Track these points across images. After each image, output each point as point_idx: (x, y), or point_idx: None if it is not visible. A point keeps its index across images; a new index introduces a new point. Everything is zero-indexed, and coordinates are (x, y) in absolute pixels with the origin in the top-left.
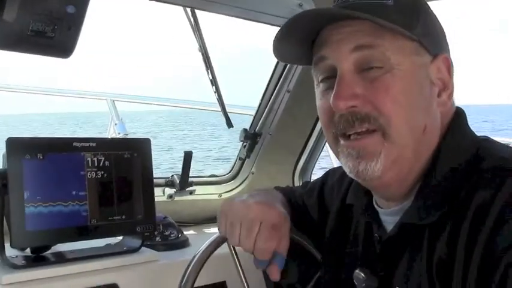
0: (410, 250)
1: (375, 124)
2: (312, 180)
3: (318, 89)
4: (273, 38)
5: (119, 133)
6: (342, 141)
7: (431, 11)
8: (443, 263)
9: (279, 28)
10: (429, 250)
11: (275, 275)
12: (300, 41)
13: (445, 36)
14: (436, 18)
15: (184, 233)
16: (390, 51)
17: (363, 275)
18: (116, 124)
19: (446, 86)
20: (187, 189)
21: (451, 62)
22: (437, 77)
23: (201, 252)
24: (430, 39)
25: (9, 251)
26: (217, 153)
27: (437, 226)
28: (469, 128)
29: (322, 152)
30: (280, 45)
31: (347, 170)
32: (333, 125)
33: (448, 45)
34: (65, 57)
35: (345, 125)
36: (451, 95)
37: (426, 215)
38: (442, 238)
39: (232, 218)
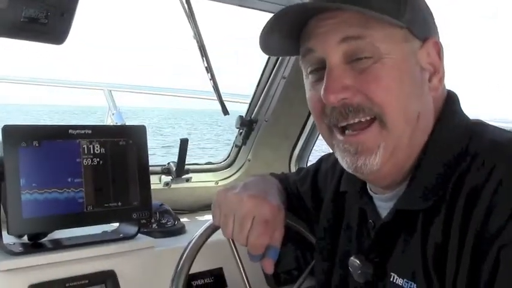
0: (405, 236)
1: (370, 113)
2: (306, 167)
3: (308, 81)
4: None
5: (116, 123)
6: (338, 136)
7: None
8: (438, 248)
9: (265, 23)
10: (423, 235)
11: (269, 268)
12: (286, 34)
13: (433, 18)
14: (424, 1)
15: (181, 220)
16: (379, 40)
17: (358, 261)
18: (113, 114)
19: (436, 70)
20: (183, 176)
21: (441, 45)
22: (427, 62)
23: (195, 239)
24: (419, 24)
25: (6, 238)
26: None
27: (431, 211)
28: (462, 111)
29: (318, 138)
30: (267, 39)
31: (344, 165)
32: (325, 116)
33: (436, 28)
34: (58, 44)
35: (338, 117)
36: (442, 79)
37: (420, 200)
38: (435, 223)
39: (225, 210)
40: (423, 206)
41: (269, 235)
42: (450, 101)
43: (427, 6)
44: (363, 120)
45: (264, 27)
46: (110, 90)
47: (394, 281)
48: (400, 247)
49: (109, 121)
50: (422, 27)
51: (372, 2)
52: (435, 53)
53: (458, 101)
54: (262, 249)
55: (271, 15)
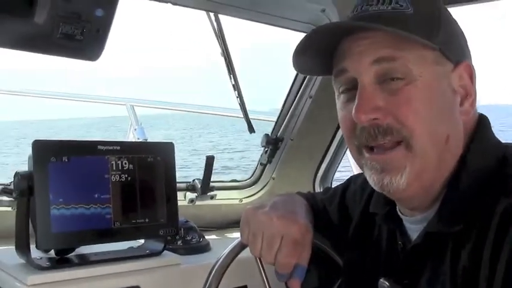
0: (435, 259)
1: (398, 136)
2: (333, 187)
3: (339, 101)
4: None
5: (138, 138)
6: (366, 154)
7: (452, 17)
8: (468, 272)
9: (298, 42)
10: (453, 259)
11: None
12: (318, 54)
13: (466, 42)
14: (457, 24)
15: (206, 237)
16: (411, 62)
17: (387, 284)
18: (135, 129)
19: (468, 94)
20: (208, 193)
21: (473, 69)
22: (459, 85)
23: (224, 257)
24: (452, 47)
25: (34, 253)
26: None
27: (462, 235)
28: (493, 134)
29: (343, 158)
30: (300, 58)
31: (371, 183)
32: (355, 136)
33: (469, 51)
34: (93, 60)
35: (368, 138)
36: (473, 102)
37: (451, 223)
38: (467, 247)
39: (254, 229)
40: (454, 229)
41: (297, 255)
42: (482, 124)
43: (461, 31)
44: (391, 142)
45: (297, 46)
46: (132, 106)
47: None
48: (429, 269)
49: (131, 136)
50: (455, 51)
51: (406, 23)
52: (467, 76)
53: (490, 124)
54: (290, 269)
55: (299, 34)
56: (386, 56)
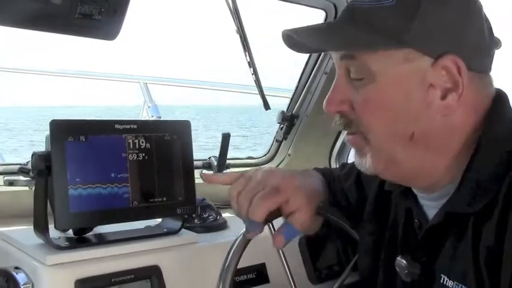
0: (454, 237)
1: (356, 130)
2: (349, 163)
3: None
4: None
5: (152, 116)
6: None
7: (447, 3)
8: (490, 251)
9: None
10: (475, 238)
11: (278, 243)
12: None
13: (463, 30)
14: (456, 12)
15: (222, 215)
16: (372, 61)
17: (404, 261)
18: (149, 107)
19: (455, 87)
20: (224, 171)
21: (461, 61)
22: (441, 79)
23: (241, 236)
24: (432, 39)
25: (52, 232)
26: None
27: (482, 214)
28: (510, 111)
29: None
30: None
31: None
32: None
33: (462, 40)
34: (111, 40)
35: (338, 123)
36: (461, 95)
37: (471, 203)
38: (488, 226)
39: (246, 179)
40: (474, 208)
41: (276, 202)
42: (498, 100)
43: (456, 19)
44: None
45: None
46: (146, 83)
47: (444, 282)
48: (449, 248)
49: (144, 114)
50: (437, 43)
51: (374, 20)
52: (454, 68)
53: (508, 100)
54: (263, 215)
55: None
56: (347, 54)
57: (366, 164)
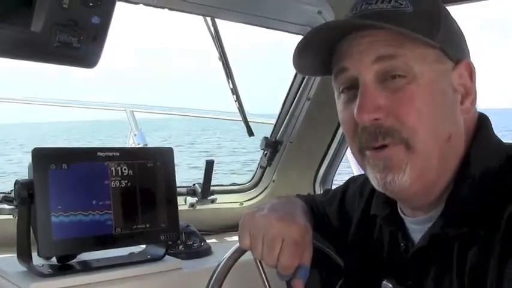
0: (440, 260)
1: (398, 138)
2: (333, 188)
3: (339, 101)
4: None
5: (138, 143)
6: (367, 152)
7: (451, 16)
8: (476, 274)
9: (299, 42)
10: (460, 261)
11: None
12: (318, 53)
13: (465, 40)
14: (456, 22)
15: (207, 241)
16: (413, 60)
17: (390, 285)
18: (135, 135)
19: (468, 93)
20: (208, 198)
21: (473, 67)
22: (459, 84)
23: (224, 261)
24: (451, 45)
25: (35, 260)
26: None
27: (468, 236)
28: (495, 134)
29: (342, 159)
30: (300, 59)
31: (374, 183)
32: (357, 137)
33: (468, 50)
34: (90, 68)
35: (368, 138)
36: (474, 101)
37: (457, 226)
38: (473, 249)
39: (254, 232)
40: (460, 231)
41: (299, 255)
42: (483, 123)
43: (460, 29)
44: (391, 144)
45: (297, 46)
46: (132, 111)
47: None
48: (435, 271)
49: (131, 142)
50: (455, 49)
51: (406, 22)
52: (467, 74)
53: (490, 123)
54: (293, 270)
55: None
56: (386, 55)
57: (403, 178)
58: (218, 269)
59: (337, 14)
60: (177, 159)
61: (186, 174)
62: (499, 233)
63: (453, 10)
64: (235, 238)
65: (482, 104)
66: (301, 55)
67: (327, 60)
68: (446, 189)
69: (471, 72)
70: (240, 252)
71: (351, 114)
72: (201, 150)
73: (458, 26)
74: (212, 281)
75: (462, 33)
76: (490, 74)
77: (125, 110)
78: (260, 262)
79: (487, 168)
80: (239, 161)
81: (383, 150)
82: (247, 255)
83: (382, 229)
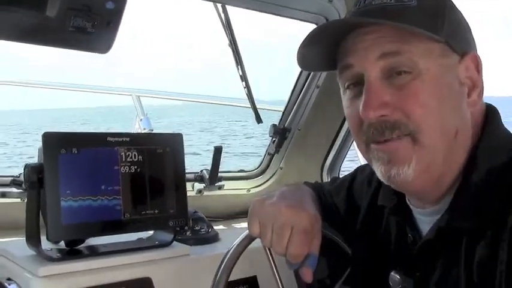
0: (448, 252)
1: (405, 130)
2: (340, 177)
3: (345, 96)
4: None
5: (144, 128)
6: (373, 145)
7: (457, 8)
8: (485, 267)
9: (304, 37)
10: (468, 254)
11: (308, 277)
12: (323, 50)
13: (471, 32)
14: (461, 14)
15: (214, 227)
16: (417, 55)
17: (398, 277)
18: (141, 120)
19: (475, 85)
20: (216, 184)
21: (480, 60)
22: (466, 77)
23: (233, 249)
24: (457, 38)
25: (44, 244)
26: None
27: (476, 229)
28: (503, 126)
29: (350, 148)
30: (304, 55)
31: (379, 175)
32: (362, 133)
33: (474, 42)
34: (104, 53)
35: (375, 133)
36: (481, 93)
37: (464, 219)
38: (482, 242)
39: (263, 220)
40: (469, 224)
41: (308, 244)
42: (491, 115)
43: (465, 21)
44: (399, 136)
45: (302, 42)
46: (139, 96)
47: None
48: (443, 263)
49: (137, 127)
50: (460, 42)
51: (410, 17)
52: (474, 67)
53: (499, 114)
54: (302, 258)
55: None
56: (391, 51)
57: (408, 171)
58: (227, 257)
59: (348, 3)
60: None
61: None
62: (507, 226)
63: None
64: (243, 224)
65: (497, 92)
66: (305, 51)
67: (330, 56)
68: (455, 182)
69: (478, 65)
70: (249, 239)
71: (356, 110)
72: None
73: (463, 17)
74: (221, 269)
75: (468, 25)
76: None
77: (131, 95)
78: (269, 250)
79: (495, 161)
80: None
81: (388, 143)
82: (256, 243)
83: (389, 220)
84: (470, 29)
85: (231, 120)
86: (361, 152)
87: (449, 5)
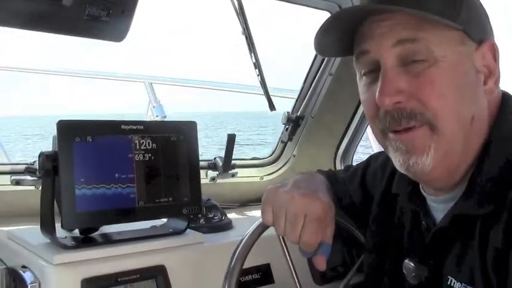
0: (462, 240)
1: (422, 119)
2: (354, 165)
3: (361, 82)
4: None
5: (157, 116)
6: (390, 135)
7: None
8: (498, 253)
9: (321, 24)
10: (482, 240)
11: (321, 265)
12: (340, 35)
13: (488, 20)
14: (480, 2)
15: (227, 215)
16: (434, 43)
17: (412, 264)
18: (153, 107)
19: (492, 73)
20: (229, 172)
21: (496, 47)
22: (482, 64)
23: (247, 237)
24: (474, 26)
25: (58, 232)
26: None
27: (490, 216)
28: None
29: (363, 136)
30: (321, 40)
31: (397, 165)
32: (378, 119)
33: (492, 30)
34: (118, 41)
35: (392, 122)
36: (497, 81)
37: (479, 206)
38: (496, 228)
39: (277, 208)
40: (483, 211)
41: (321, 232)
42: (506, 102)
43: (483, 9)
44: (416, 126)
45: (319, 28)
46: (151, 83)
47: (452, 284)
48: (457, 251)
49: (149, 114)
50: (478, 30)
51: (428, 4)
52: (490, 55)
53: None
54: (315, 247)
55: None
56: (408, 38)
57: (426, 161)
58: (241, 245)
59: None
60: None
61: None
62: None
63: None
64: (256, 212)
65: None
66: (322, 37)
67: (347, 41)
68: (470, 169)
69: (494, 52)
70: (262, 227)
71: (372, 96)
72: None
73: (481, 5)
74: (235, 257)
75: (485, 13)
76: None
77: (143, 82)
78: (283, 238)
79: (510, 147)
80: None
81: (407, 133)
82: (270, 230)
83: (403, 208)
84: (487, 17)
85: None
86: (376, 139)
87: None
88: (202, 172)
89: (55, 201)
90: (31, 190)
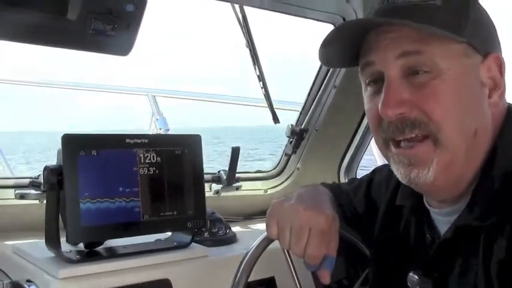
0: (466, 252)
1: (425, 129)
2: (358, 178)
3: (366, 93)
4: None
5: (160, 128)
6: (393, 149)
7: (482, 6)
8: (502, 265)
9: (326, 34)
10: (486, 252)
11: (326, 278)
12: (345, 46)
13: (495, 32)
14: (487, 14)
15: (232, 228)
16: (438, 56)
17: (416, 277)
18: (157, 119)
19: (497, 86)
20: (233, 185)
21: (503, 60)
22: (487, 77)
23: (252, 251)
24: (480, 38)
25: (63, 246)
26: None
27: (494, 228)
28: None
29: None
30: (326, 50)
31: (399, 176)
32: (381, 130)
33: (499, 42)
34: (124, 55)
35: (395, 131)
36: (502, 94)
37: (482, 217)
38: (500, 241)
39: (281, 221)
40: (485, 223)
41: (325, 246)
42: (511, 115)
43: (491, 21)
44: (419, 135)
45: (324, 40)
46: (154, 96)
47: None
48: (461, 263)
49: (153, 127)
50: (483, 42)
51: (433, 16)
52: (496, 68)
53: None
54: (320, 260)
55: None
56: (412, 50)
57: (428, 174)
58: (246, 259)
59: (365, 3)
60: None
61: None
62: None
63: None
64: (260, 225)
65: None
66: (326, 48)
67: (352, 52)
68: (473, 182)
69: (501, 65)
70: (267, 241)
71: (376, 107)
72: None
73: (488, 16)
74: (240, 271)
75: (492, 25)
76: None
77: (146, 95)
78: (288, 251)
79: None
80: None
81: (410, 149)
82: (274, 244)
83: (408, 220)
84: (495, 29)
85: None
86: (379, 149)
87: (474, 4)
88: (206, 185)
89: (59, 215)
90: (35, 204)
